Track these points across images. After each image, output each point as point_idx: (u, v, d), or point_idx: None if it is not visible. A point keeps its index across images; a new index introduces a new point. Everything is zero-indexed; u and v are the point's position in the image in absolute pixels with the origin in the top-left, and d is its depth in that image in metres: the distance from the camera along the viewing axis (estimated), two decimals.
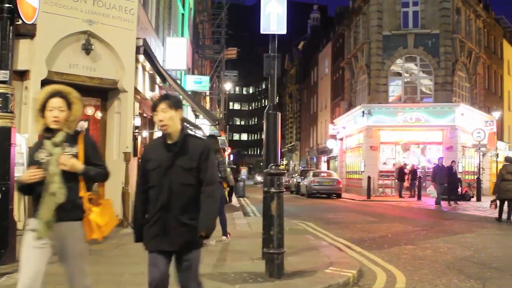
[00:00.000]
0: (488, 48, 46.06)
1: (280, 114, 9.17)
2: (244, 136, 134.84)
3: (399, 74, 37.45)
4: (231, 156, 43.17)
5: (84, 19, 11.44)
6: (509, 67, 53.66)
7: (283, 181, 40.14)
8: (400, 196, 31.50)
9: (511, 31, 57.76)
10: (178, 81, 19.58)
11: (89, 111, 13.35)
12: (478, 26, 42.26)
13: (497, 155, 39.41)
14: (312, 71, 66.74)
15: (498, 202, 17.63)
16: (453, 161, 28.06)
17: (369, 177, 31.15)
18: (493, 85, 47.92)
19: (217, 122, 17.40)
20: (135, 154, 12.98)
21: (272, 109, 8.86)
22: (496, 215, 17.47)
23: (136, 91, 12.96)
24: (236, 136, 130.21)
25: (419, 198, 29.36)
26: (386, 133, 36.13)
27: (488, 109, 42.07)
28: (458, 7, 37.63)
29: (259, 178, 67.42)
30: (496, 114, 38.60)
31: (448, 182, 25.87)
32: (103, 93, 12.39)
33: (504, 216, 16.73)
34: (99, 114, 12.87)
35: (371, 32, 37.23)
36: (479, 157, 31.89)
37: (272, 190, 7.30)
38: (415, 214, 21.17)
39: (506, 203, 16.88)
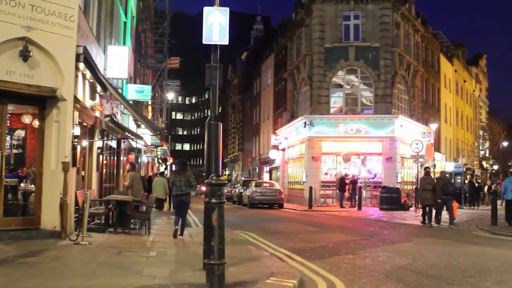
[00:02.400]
0: (426, 62, 47.30)
1: (222, 124, 9.16)
2: (187, 146, 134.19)
3: (340, 86, 38.01)
4: (173, 167, 42.73)
5: (21, 25, 11.13)
6: (446, 80, 55.28)
7: (225, 191, 40.07)
8: (341, 206, 31.88)
9: (448, 46, 59.62)
10: (120, 90, 19.31)
11: (27, 119, 13.01)
12: (416, 40, 43.39)
13: (434, 165, 40.46)
14: (255, 81, 67.02)
15: (423, 208, 20.91)
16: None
17: (310, 187, 31.42)
18: (430, 97, 49.20)
19: (158, 132, 17.24)
20: (74, 164, 12.69)
21: (213, 120, 8.84)
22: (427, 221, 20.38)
23: (76, 99, 12.69)
24: (178, 146, 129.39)
25: (359, 208, 29.81)
26: (327, 144, 36.57)
27: (426, 121, 43.16)
28: (397, 22, 38.55)
29: (203, 188, 67.07)
30: (434, 126, 39.67)
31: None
32: (41, 101, 12.06)
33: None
34: (36, 123, 12.54)
35: (313, 44, 37.69)
36: (417, 167, 32.63)
37: (213, 200, 7.26)
38: (356, 224, 21.44)
39: (427, 208, 20.45)
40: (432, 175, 23.36)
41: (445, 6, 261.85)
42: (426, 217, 20.33)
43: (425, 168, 23.17)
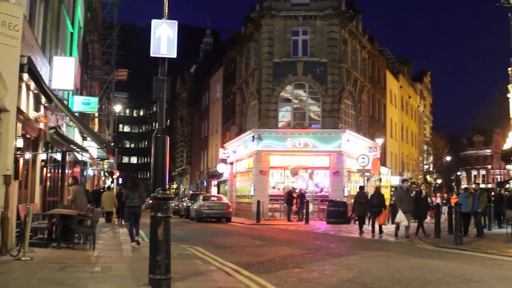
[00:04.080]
0: (372, 77, 48.17)
1: (169, 137, 9.09)
2: (134, 160, 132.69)
3: (288, 100, 38.31)
4: (120, 180, 42.21)
5: None
6: (392, 96, 56.43)
7: (173, 205, 39.72)
8: (289, 220, 32.01)
9: (394, 63, 60.91)
10: (65, 102, 18.96)
11: None
12: (363, 56, 44.20)
13: (380, 179, 41.15)
14: (204, 95, 66.91)
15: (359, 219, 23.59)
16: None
17: (258, 201, 31.47)
18: (376, 113, 50.08)
19: (104, 145, 16.97)
20: (16, 177, 12.36)
21: (160, 133, 8.76)
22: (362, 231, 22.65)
23: (19, 111, 12.39)
24: (125, 159, 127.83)
25: (307, 221, 29.99)
26: (275, 157, 36.76)
27: (372, 135, 43.87)
28: (345, 38, 39.19)
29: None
30: (380, 141, 40.37)
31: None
32: None
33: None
34: None
35: (262, 58, 37.93)
36: (364, 181, 33.14)
37: (159, 215, 7.20)
38: (303, 237, 21.56)
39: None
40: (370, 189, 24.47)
41: (391, 24, 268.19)
42: (361, 227, 23.01)
43: (360, 186, 26.43)
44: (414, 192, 21.60)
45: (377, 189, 24.81)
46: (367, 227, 23.80)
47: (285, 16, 37.71)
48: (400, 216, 19.87)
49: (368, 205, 23.26)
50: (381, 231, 22.25)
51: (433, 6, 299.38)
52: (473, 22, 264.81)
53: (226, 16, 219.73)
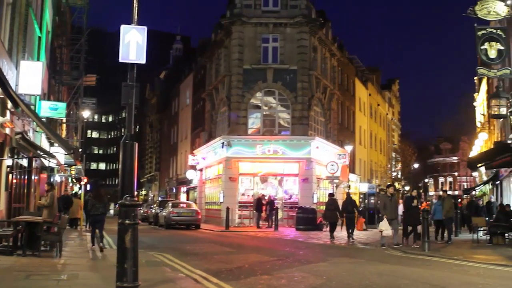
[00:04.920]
0: (341, 85, 48.54)
1: (137, 144, 9.01)
2: (102, 166, 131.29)
3: (258, 107, 38.35)
4: (88, 186, 41.72)
5: None
6: (361, 104, 56.94)
7: (141, 212, 39.43)
8: (258, 226, 32.01)
9: (363, 71, 61.48)
10: (32, 107, 18.69)
11: None
12: (333, 64, 44.52)
13: (349, 186, 41.42)
14: (174, 101, 66.66)
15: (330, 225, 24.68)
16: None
17: (228, 208, 31.39)
18: (346, 120, 50.45)
19: (72, 151, 16.79)
20: None
21: (129, 139, 8.68)
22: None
23: None
24: (94, 165, 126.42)
25: (276, 228, 30.01)
26: (245, 164, 36.73)
27: (341, 142, 44.16)
28: (314, 46, 39.41)
29: None
30: (349, 148, 40.66)
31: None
32: None
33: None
34: None
35: (232, 65, 37.92)
36: (333, 188, 33.31)
37: (127, 222, 7.13)
38: (272, 244, 21.57)
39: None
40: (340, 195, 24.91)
41: (361, 32, 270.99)
42: (332, 232, 23.85)
43: (330, 193, 26.88)
44: (404, 197, 21.99)
45: (349, 195, 26.19)
46: (337, 233, 24.49)
47: (255, 23, 37.79)
48: (384, 224, 19.27)
49: (342, 211, 24.26)
50: (351, 237, 23.20)
51: (402, 16, 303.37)
52: (441, 31, 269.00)
53: (197, 23, 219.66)
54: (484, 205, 30.43)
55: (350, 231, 23.76)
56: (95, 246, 16.25)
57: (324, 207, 27.42)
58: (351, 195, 26.61)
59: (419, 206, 21.14)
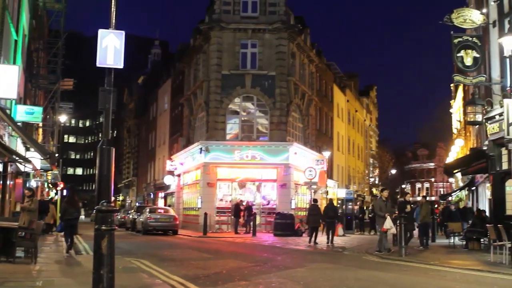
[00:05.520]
0: (320, 91, 48.72)
1: (115, 149, 8.94)
2: (79, 171, 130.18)
3: (236, 113, 38.33)
4: (64, 191, 41.28)
5: None
6: (339, 110, 57.21)
7: (119, 217, 39.14)
8: (236, 232, 31.94)
9: (341, 77, 61.81)
10: (8, 111, 18.49)
11: None
12: (311, 70, 44.69)
13: (327, 192, 41.55)
14: (152, 106, 66.38)
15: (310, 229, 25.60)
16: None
17: (205, 214, 31.31)
18: (324, 126, 50.62)
19: (48, 156, 16.64)
20: None
21: (105, 144, 8.60)
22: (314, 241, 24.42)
23: None
24: (70, 171, 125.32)
25: (254, 234, 29.99)
26: (223, 170, 36.69)
27: (319, 148, 44.28)
28: (293, 52, 39.54)
29: None
30: (327, 154, 40.79)
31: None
32: None
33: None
34: None
35: (211, 70, 37.88)
36: (311, 194, 33.41)
37: (103, 227, 7.07)
38: (250, 250, 21.55)
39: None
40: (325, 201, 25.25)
41: (339, 39, 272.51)
42: (312, 237, 24.70)
43: (314, 199, 28.44)
44: (398, 202, 21.55)
45: (331, 201, 27.37)
46: (318, 239, 24.79)
47: (234, 29, 37.82)
48: (388, 222, 18.47)
49: (323, 217, 25.50)
50: (331, 242, 24.26)
51: (381, 23, 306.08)
52: (419, 38, 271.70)
53: (175, 27, 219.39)
54: (456, 210, 30.82)
55: (330, 236, 24.74)
56: (71, 251, 16.38)
57: (307, 212, 28.32)
58: (333, 201, 27.82)
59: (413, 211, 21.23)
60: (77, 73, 53.45)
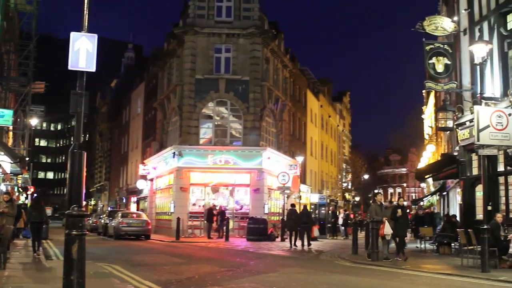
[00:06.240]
0: (293, 96, 48.86)
1: (86, 153, 8.85)
2: (50, 175, 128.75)
3: (210, 117, 38.24)
4: (35, 196, 40.75)
5: None
6: (312, 115, 57.43)
7: (91, 222, 38.78)
8: (209, 237, 31.83)
9: (315, 82, 62.10)
10: None
11: None
12: (285, 75, 44.81)
13: (300, 197, 41.65)
14: (124, 110, 65.91)
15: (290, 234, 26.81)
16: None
17: (178, 218, 31.14)
18: (297, 131, 50.75)
19: (18, 160, 16.46)
20: None
21: (77, 148, 8.51)
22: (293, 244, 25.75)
23: None
24: (41, 175, 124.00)
25: (227, 239, 29.93)
26: (196, 174, 36.55)
27: (292, 153, 44.37)
28: (267, 57, 39.62)
29: None
30: (300, 159, 40.87)
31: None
32: None
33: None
34: None
35: (184, 74, 37.75)
36: (284, 199, 33.46)
37: (74, 232, 6.99)
38: (223, 255, 21.50)
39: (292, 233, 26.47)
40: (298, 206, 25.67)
41: (313, 45, 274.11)
42: (291, 240, 26.03)
43: (291, 204, 29.03)
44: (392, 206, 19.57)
45: (305, 207, 28.31)
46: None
47: (208, 33, 37.74)
48: (389, 228, 17.80)
49: (297, 222, 26.44)
50: (306, 246, 25.53)
51: (354, 29, 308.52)
52: (391, 44, 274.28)
53: (149, 31, 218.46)
54: (424, 215, 31.15)
55: (304, 241, 25.87)
56: (42, 256, 16.28)
57: (285, 217, 29.38)
58: (307, 207, 28.75)
59: (407, 216, 20.38)
60: (49, 76, 52.99)
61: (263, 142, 38.00)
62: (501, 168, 18.83)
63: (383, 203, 19.44)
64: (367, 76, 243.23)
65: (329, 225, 40.64)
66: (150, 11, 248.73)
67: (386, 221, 17.85)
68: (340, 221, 40.52)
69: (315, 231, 31.98)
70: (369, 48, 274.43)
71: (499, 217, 16.16)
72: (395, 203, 20.27)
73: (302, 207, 28.59)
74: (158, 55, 48.59)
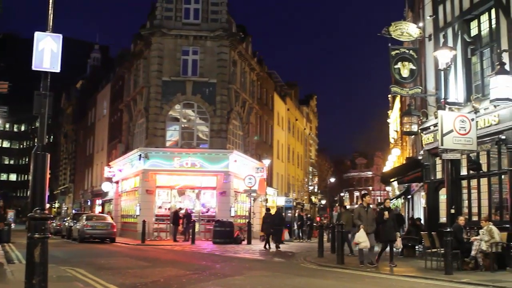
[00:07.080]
0: (260, 99, 48.95)
1: (50, 155, 8.71)
2: (13, 177, 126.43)
3: (177, 120, 38.08)
4: None
5: None
6: (279, 118, 57.60)
7: (54, 225, 38.22)
8: (175, 240, 31.70)
9: (282, 86, 62.35)
10: None
11: None
12: (252, 78, 44.86)
13: (266, 200, 41.72)
14: (90, 111, 65.22)
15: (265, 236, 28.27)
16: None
17: (144, 221, 30.93)
18: (264, 134, 50.85)
19: None
20: None
21: (40, 150, 8.38)
22: (268, 246, 26.99)
23: None
24: (3, 176, 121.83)
25: (193, 242, 29.85)
26: (162, 177, 36.34)
27: (259, 156, 44.45)
28: (234, 60, 39.61)
29: None
30: (266, 162, 41.01)
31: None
32: None
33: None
34: None
35: (151, 76, 37.53)
36: (250, 201, 33.49)
37: (36, 235, 6.88)
38: (189, 258, 21.41)
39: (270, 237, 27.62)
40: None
41: (281, 49, 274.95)
42: (266, 242, 27.32)
43: (267, 208, 31.84)
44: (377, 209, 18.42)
45: (278, 210, 31.20)
46: (260, 245, 27.20)
47: (175, 35, 37.60)
48: (361, 236, 16.53)
49: (270, 224, 28.09)
50: (278, 247, 27.12)
51: (322, 34, 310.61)
52: (358, 50, 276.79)
53: (116, 32, 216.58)
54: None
55: (277, 242, 27.65)
56: (3, 260, 15.91)
57: (262, 220, 30.52)
58: (280, 210, 31.59)
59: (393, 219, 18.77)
60: (12, 75, 51.98)
61: (230, 145, 37.99)
62: (464, 172, 19.14)
63: (370, 205, 17.56)
64: (335, 80, 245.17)
65: (295, 228, 40.83)
66: (118, 12, 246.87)
67: (362, 229, 16.52)
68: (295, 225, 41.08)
69: (285, 234, 32.30)
70: (337, 53, 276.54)
71: (461, 220, 16.38)
72: (381, 206, 18.45)
73: (276, 210, 30.25)
74: (125, 56, 48.20)
